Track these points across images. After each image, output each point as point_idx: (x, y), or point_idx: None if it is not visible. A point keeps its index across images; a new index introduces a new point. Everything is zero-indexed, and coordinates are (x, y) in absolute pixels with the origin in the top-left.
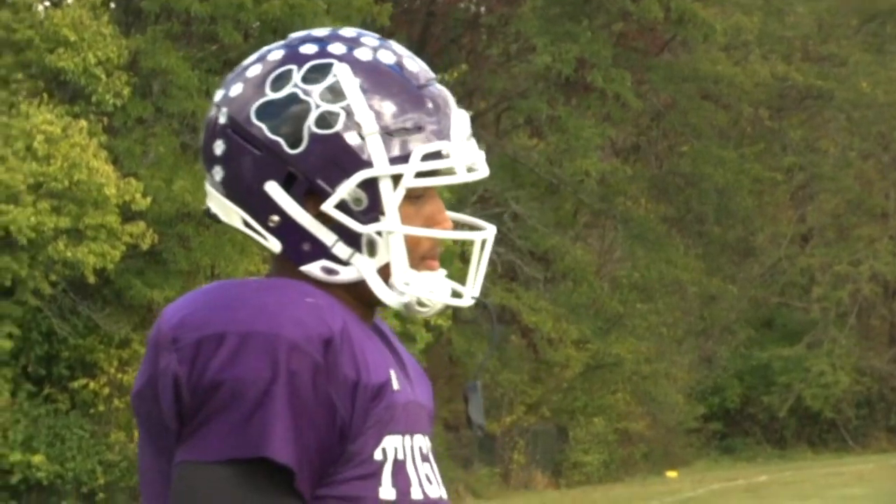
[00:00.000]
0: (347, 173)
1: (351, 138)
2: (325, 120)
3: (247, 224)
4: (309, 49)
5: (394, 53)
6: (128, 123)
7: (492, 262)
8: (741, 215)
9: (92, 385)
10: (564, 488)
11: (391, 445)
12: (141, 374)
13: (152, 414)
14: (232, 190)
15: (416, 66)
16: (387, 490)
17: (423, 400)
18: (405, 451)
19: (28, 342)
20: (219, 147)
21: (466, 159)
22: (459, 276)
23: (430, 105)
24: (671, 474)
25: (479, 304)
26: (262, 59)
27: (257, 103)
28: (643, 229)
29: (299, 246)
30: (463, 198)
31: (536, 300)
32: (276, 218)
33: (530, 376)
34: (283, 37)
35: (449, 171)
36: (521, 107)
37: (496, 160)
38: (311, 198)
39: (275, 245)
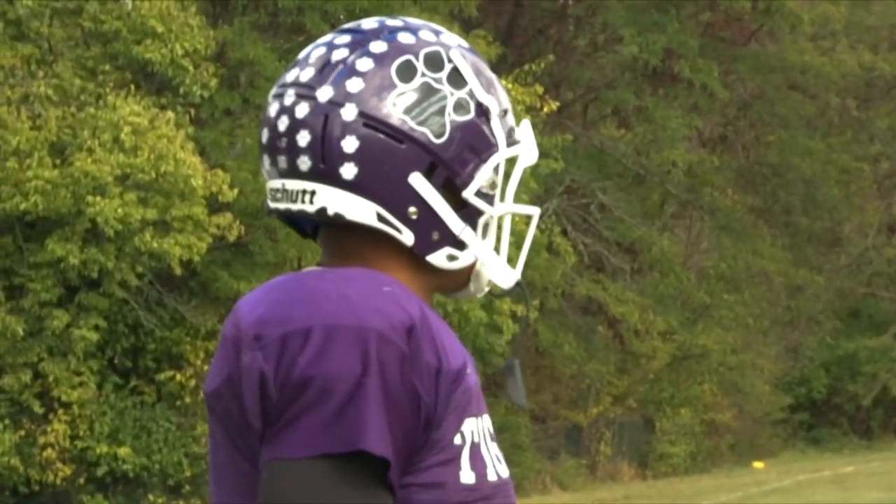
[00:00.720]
0: (482, 159)
1: (482, 122)
2: (461, 106)
3: (381, 219)
4: (409, 39)
5: (461, 40)
6: (215, 115)
7: (578, 253)
8: (828, 205)
9: (178, 377)
10: (651, 480)
11: (468, 429)
12: (217, 372)
13: (231, 412)
14: (368, 186)
15: (479, 54)
16: (467, 474)
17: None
18: (479, 433)
19: (114, 334)
20: (350, 144)
21: (532, 139)
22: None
23: (503, 86)
24: (758, 465)
25: (517, 283)
26: (365, 52)
27: (393, 95)
28: (730, 220)
29: (430, 236)
30: (550, 188)
31: (623, 291)
32: (414, 209)
33: (617, 367)
34: None
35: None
36: (608, 97)
37: (583, 151)
38: (445, 186)
39: (409, 238)
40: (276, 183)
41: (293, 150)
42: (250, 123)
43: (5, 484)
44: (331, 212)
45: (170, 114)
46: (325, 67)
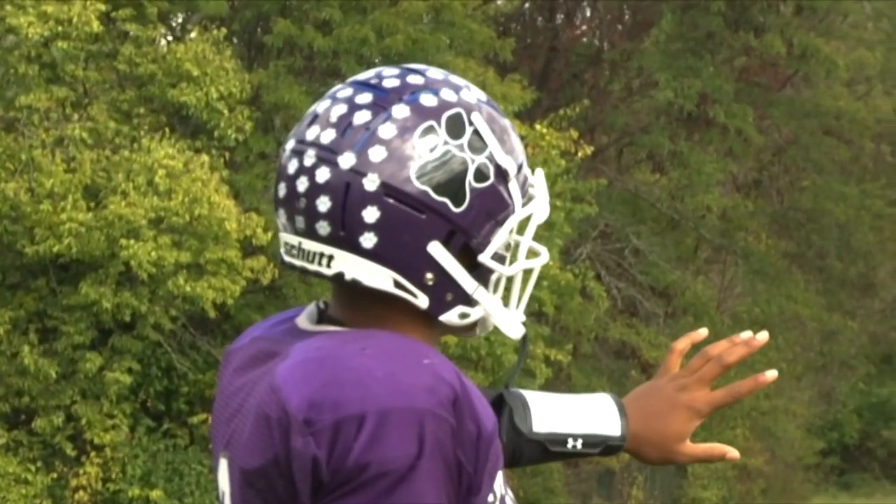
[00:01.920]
0: (499, 221)
1: (501, 186)
2: (482, 173)
3: (397, 285)
4: (431, 100)
5: (478, 90)
6: (249, 158)
7: (612, 298)
8: (862, 251)
9: (211, 420)
10: None
11: (497, 484)
12: (258, 451)
13: (276, 489)
14: (387, 255)
15: (495, 104)
16: None
17: None
18: (503, 484)
19: (147, 377)
20: (371, 214)
21: (543, 188)
22: None
23: (516, 133)
24: None
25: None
26: (386, 117)
27: (415, 166)
28: (763, 264)
29: (444, 297)
30: (584, 233)
31: (657, 336)
32: (430, 275)
33: None
34: None
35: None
36: (643, 142)
37: (617, 195)
38: (463, 251)
39: (423, 302)
40: (292, 239)
41: (312, 214)
42: None
43: None
44: (347, 277)
45: (204, 157)
46: (347, 130)
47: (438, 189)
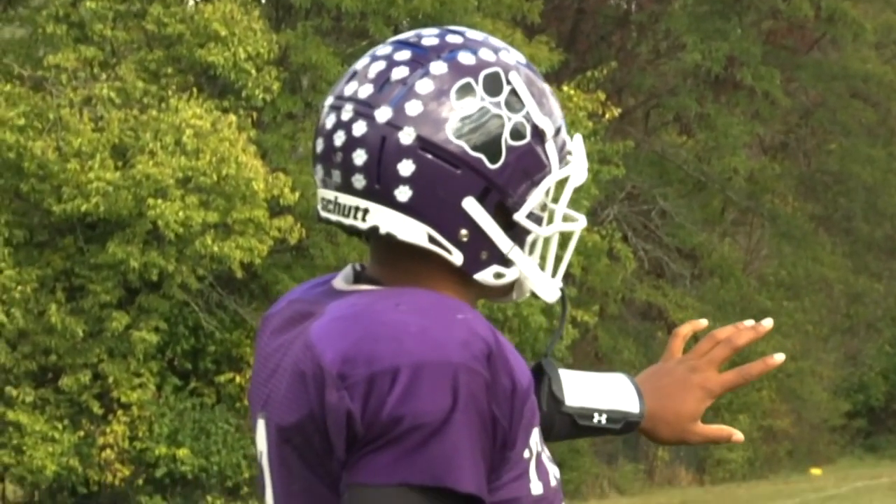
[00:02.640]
0: (535, 181)
1: (537, 145)
2: (518, 131)
3: (431, 239)
4: (469, 59)
5: (518, 53)
6: (277, 118)
7: (639, 259)
8: (889, 213)
9: (238, 379)
10: (709, 485)
11: (534, 440)
12: (294, 407)
13: (313, 444)
14: (421, 209)
15: (534, 67)
16: (535, 485)
17: None
18: (539, 441)
19: (175, 336)
20: (406, 168)
21: (583, 153)
22: None
23: (556, 98)
24: (815, 472)
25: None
26: (425, 73)
27: (451, 121)
28: (790, 227)
29: (479, 256)
30: (611, 194)
31: (683, 297)
32: (465, 232)
33: None
34: None
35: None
36: (670, 104)
37: (644, 157)
38: (499, 208)
39: (458, 258)
40: (328, 194)
41: (348, 168)
42: (312, 127)
43: (64, 484)
44: (382, 231)
45: (232, 117)
46: (384, 85)
47: (475, 145)
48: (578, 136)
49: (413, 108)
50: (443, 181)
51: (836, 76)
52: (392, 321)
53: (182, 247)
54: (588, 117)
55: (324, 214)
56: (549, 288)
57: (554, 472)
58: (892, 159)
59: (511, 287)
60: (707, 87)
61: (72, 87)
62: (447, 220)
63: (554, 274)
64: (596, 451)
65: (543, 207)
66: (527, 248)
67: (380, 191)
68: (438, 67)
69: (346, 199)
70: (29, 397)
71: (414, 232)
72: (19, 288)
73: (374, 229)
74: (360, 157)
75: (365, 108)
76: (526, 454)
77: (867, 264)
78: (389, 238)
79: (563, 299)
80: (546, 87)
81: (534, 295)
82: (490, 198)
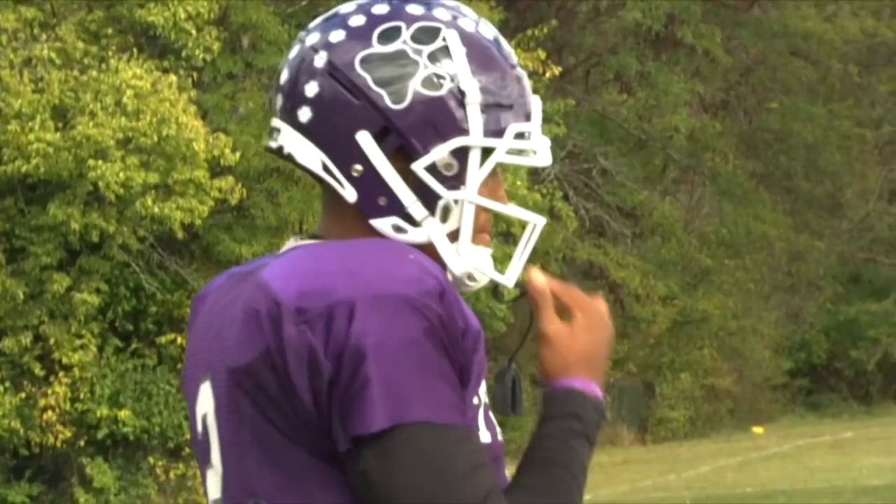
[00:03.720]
0: (443, 138)
1: (453, 105)
2: (432, 82)
3: (325, 168)
4: (416, 10)
5: (491, 30)
6: (217, 78)
7: (580, 218)
8: (829, 171)
9: (179, 340)
10: (650, 444)
11: (482, 390)
12: (245, 347)
13: (267, 386)
14: (318, 133)
15: (507, 46)
16: (483, 434)
17: None
18: (485, 394)
19: (115, 297)
20: (311, 89)
21: (543, 143)
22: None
23: (519, 85)
24: (757, 430)
25: (519, 284)
26: (365, 11)
27: (363, 53)
28: (731, 185)
29: (375, 199)
30: (552, 153)
31: (624, 256)
32: (359, 167)
33: (617, 332)
34: None
35: (526, 153)
36: (611, 63)
37: (585, 116)
38: (399, 155)
39: (350, 194)
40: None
41: (276, 88)
42: (252, 87)
43: (5, 446)
44: (286, 151)
45: (172, 77)
46: (330, 18)
47: (378, 80)
48: (536, 126)
49: (336, 35)
50: (341, 109)
51: (777, 34)
52: (346, 258)
53: (122, 208)
54: (528, 76)
55: (265, 143)
56: (457, 261)
57: (499, 429)
58: (833, 117)
59: (442, 263)
60: (647, 46)
61: (12, 48)
62: (341, 150)
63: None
64: (537, 411)
65: (449, 168)
66: (438, 212)
67: (289, 110)
68: (380, 9)
69: (272, 121)
70: None
71: (309, 156)
72: None
73: (280, 149)
74: (283, 77)
75: (304, 35)
76: (475, 401)
77: (808, 222)
78: (290, 160)
79: (522, 292)
80: (509, 70)
81: (495, 292)
82: (389, 140)
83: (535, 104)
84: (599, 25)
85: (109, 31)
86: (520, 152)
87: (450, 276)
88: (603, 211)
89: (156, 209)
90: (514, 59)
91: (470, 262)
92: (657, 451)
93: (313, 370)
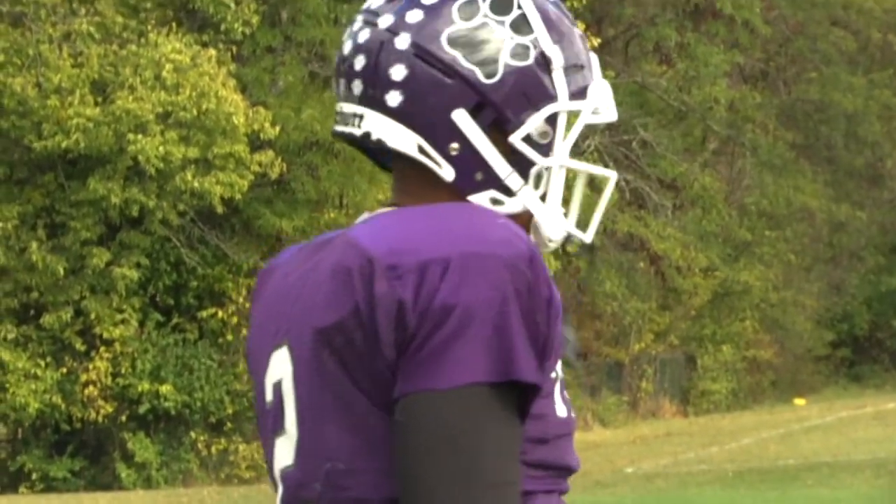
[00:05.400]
0: (536, 107)
1: (542, 71)
2: (520, 52)
3: (421, 151)
4: None
5: None
6: (256, 52)
7: (620, 190)
8: (870, 141)
9: (220, 314)
10: (692, 416)
11: (558, 365)
12: (335, 305)
13: (355, 343)
14: (411, 116)
15: (564, 7)
16: (560, 407)
17: None
18: (561, 370)
19: (156, 272)
20: (398, 72)
21: (610, 100)
22: None
23: (584, 43)
24: (799, 402)
25: (590, 245)
26: None
27: (448, 30)
28: (771, 156)
29: (473, 175)
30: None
31: (664, 228)
32: (456, 146)
33: (658, 304)
34: None
35: (596, 111)
36: (650, 34)
37: (624, 88)
38: (494, 128)
39: (448, 173)
40: (338, 105)
41: (350, 74)
42: (292, 61)
43: (47, 421)
44: (374, 137)
45: (211, 51)
46: None
47: (469, 56)
48: (605, 83)
49: (413, 16)
50: (434, 89)
51: (816, 4)
52: (436, 219)
53: (162, 182)
54: None
55: (335, 128)
56: (553, 224)
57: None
58: (873, 87)
59: (526, 228)
60: (686, 17)
61: (51, 23)
62: (437, 130)
63: (562, 209)
64: (580, 384)
65: (545, 136)
66: (531, 179)
67: (373, 95)
68: None
69: (348, 108)
70: (11, 335)
71: (404, 139)
72: (0, 225)
73: (367, 136)
74: (359, 62)
75: (371, 17)
76: (553, 374)
77: (849, 193)
78: (380, 145)
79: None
80: (573, 29)
81: (565, 247)
82: (484, 115)
83: (594, 60)
84: None
85: (148, 5)
86: (595, 111)
87: (532, 239)
88: (643, 182)
89: (196, 183)
90: (572, 19)
91: (562, 223)
92: (699, 424)
93: (401, 325)
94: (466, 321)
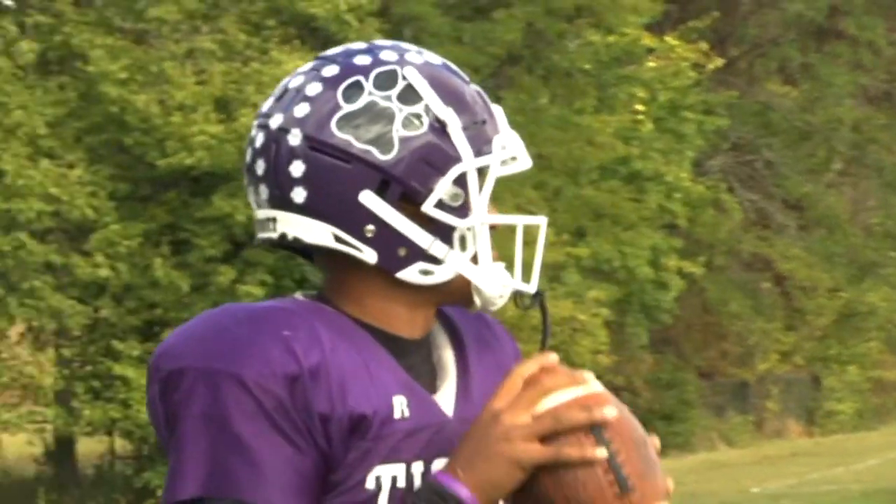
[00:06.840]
0: (442, 172)
1: (439, 136)
2: (411, 122)
3: (338, 240)
4: (364, 60)
5: (436, 56)
6: None
7: (744, 210)
8: None
9: None
10: (818, 437)
11: (388, 474)
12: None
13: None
14: (319, 208)
15: (454, 66)
16: None
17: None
18: (415, 478)
19: (281, 290)
20: (297, 168)
21: (520, 147)
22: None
23: (481, 98)
24: None
25: (538, 294)
26: (317, 77)
27: (336, 116)
28: None
29: (395, 252)
30: (716, 144)
31: (789, 248)
32: (371, 227)
33: (783, 324)
34: None
35: (507, 162)
36: (773, 54)
37: (748, 107)
38: (405, 201)
39: (370, 256)
40: (254, 214)
41: (255, 180)
42: None
43: None
44: (290, 236)
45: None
46: (282, 96)
47: (361, 137)
48: (512, 132)
49: (300, 109)
50: (335, 177)
51: None
52: (217, 325)
53: None
54: (691, 67)
55: (256, 237)
56: (491, 283)
57: None
58: None
59: (466, 291)
60: (810, 37)
61: (174, 40)
62: (348, 216)
63: (526, 276)
64: (705, 404)
65: (456, 199)
66: (456, 243)
67: (280, 196)
68: (330, 70)
69: (261, 213)
70: (135, 351)
71: (318, 233)
72: (124, 242)
73: (283, 237)
74: (260, 167)
75: (264, 119)
76: (370, 485)
77: None
78: (298, 243)
79: (541, 304)
80: (466, 87)
81: (517, 301)
82: (391, 191)
83: (499, 112)
84: (761, 17)
85: (271, 22)
86: (504, 162)
87: (478, 301)
88: (767, 203)
89: None
90: (465, 75)
91: (499, 279)
92: (825, 444)
93: (159, 428)
94: (189, 433)
